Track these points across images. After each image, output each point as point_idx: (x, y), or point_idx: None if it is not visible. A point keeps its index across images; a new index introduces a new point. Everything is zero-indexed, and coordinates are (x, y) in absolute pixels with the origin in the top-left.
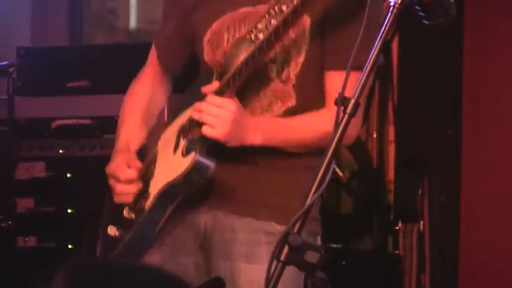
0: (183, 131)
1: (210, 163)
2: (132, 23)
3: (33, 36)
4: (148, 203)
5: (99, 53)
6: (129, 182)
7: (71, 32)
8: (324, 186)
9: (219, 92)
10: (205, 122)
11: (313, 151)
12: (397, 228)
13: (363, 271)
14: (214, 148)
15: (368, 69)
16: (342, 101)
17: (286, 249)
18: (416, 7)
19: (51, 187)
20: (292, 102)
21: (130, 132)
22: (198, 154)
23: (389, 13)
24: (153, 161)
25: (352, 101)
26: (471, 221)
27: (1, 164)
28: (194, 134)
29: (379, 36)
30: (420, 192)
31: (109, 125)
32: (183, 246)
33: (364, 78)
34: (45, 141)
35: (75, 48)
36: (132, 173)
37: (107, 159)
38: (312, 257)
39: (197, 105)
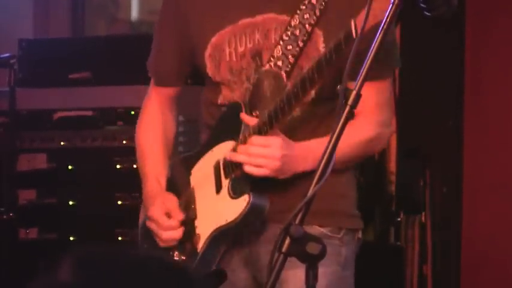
0: (224, 170)
1: (264, 203)
2: (134, 14)
3: (35, 28)
4: (201, 245)
5: (101, 45)
6: (171, 229)
7: (72, 24)
8: (325, 177)
9: (261, 130)
10: (255, 164)
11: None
12: (399, 219)
13: (365, 262)
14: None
15: (370, 59)
16: (343, 92)
17: (287, 241)
18: None
19: (53, 179)
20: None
21: (157, 170)
22: (252, 197)
23: (391, 4)
24: (192, 200)
25: (354, 92)
26: (473, 211)
27: (3, 156)
28: (237, 172)
29: (381, 27)
30: (422, 183)
31: (110, 117)
32: (226, 264)
33: (365, 69)
34: (47, 132)
35: (77, 40)
36: (174, 224)
37: (108, 150)
38: (313, 248)
39: (241, 148)
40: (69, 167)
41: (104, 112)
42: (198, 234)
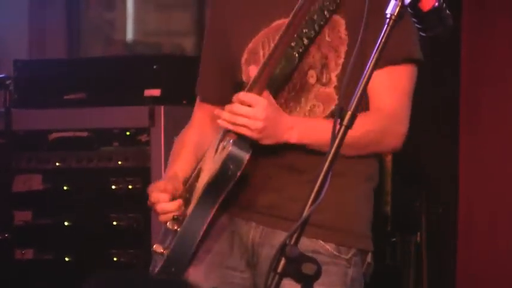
0: (220, 138)
1: (244, 153)
2: (129, 35)
3: (31, 48)
4: (190, 208)
5: (96, 66)
6: (162, 201)
7: (68, 45)
8: (320, 198)
9: (249, 90)
10: (237, 122)
11: (361, 157)
12: (395, 239)
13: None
14: (254, 163)
15: (364, 81)
16: (339, 112)
17: (283, 261)
18: (413, 19)
19: (49, 199)
20: (334, 105)
21: (181, 164)
22: (232, 145)
23: (386, 25)
24: (196, 177)
25: (349, 113)
26: (469, 232)
27: None
28: (232, 135)
29: (375, 48)
30: (418, 203)
31: (106, 137)
32: (228, 260)
33: (360, 90)
34: (43, 153)
35: (72, 61)
36: (164, 197)
37: (104, 171)
38: (309, 268)
39: (227, 107)
40: (65, 188)
41: (99, 133)
42: (192, 200)
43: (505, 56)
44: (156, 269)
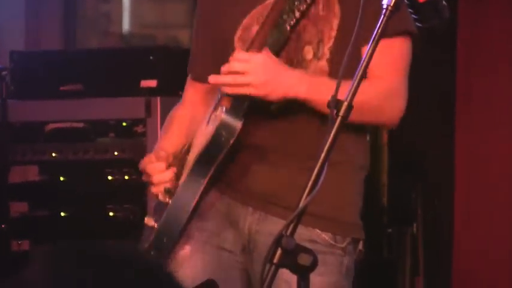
0: (212, 110)
1: (237, 121)
2: (126, 27)
3: (27, 40)
4: (182, 179)
5: (93, 57)
6: (161, 171)
7: (64, 36)
8: (317, 189)
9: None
10: (237, 82)
11: (350, 144)
12: (391, 231)
13: (357, 274)
14: (254, 151)
15: (361, 71)
16: (335, 103)
17: (279, 252)
18: (410, 10)
19: (45, 191)
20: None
21: (169, 139)
22: (224, 113)
23: (382, 15)
24: (187, 151)
25: (345, 103)
26: (465, 223)
27: None
28: (223, 103)
29: (372, 39)
30: (414, 195)
31: (102, 129)
32: (224, 242)
33: (356, 82)
34: (39, 145)
35: (68, 52)
36: (160, 166)
37: (100, 162)
38: (305, 259)
39: (223, 69)
40: (61, 179)
41: (95, 124)
42: (183, 172)
43: (501, 49)
44: (148, 242)
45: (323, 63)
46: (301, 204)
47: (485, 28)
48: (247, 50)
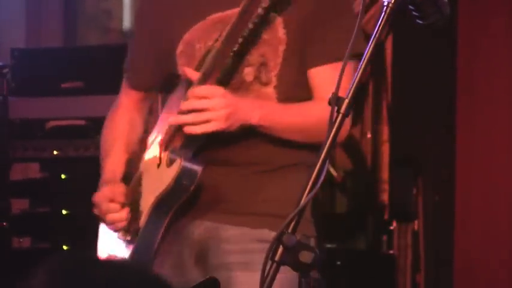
0: (162, 145)
1: (197, 167)
2: (126, 23)
3: (28, 37)
4: (143, 220)
5: (93, 54)
6: (115, 210)
7: (65, 33)
8: (317, 187)
9: (201, 83)
10: (201, 119)
11: (304, 146)
12: (392, 228)
13: (358, 271)
14: (199, 154)
15: (362, 68)
16: (335, 100)
17: (280, 250)
18: (410, 6)
19: (46, 188)
20: None
21: (114, 162)
22: (183, 159)
23: (383, 13)
24: (139, 183)
25: (346, 100)
26: (465, 219)
27: None
28: (175, 143)
29: (373, 36)
30: (414, 191)
31: (103, 126)
32: (183, 264)
33: (357, 77)
34: (40, 142)
35: (69, 49)
36: (116, 206)
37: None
38: (306, 257)
39: (182, 107)
40: (62, 176)
41: (96, 121)
42: (141, 211)
43: (502, 45)
44: None
45: (270, 90)
46: (302, 202)
47: (486, 24)
48: (206, 75)
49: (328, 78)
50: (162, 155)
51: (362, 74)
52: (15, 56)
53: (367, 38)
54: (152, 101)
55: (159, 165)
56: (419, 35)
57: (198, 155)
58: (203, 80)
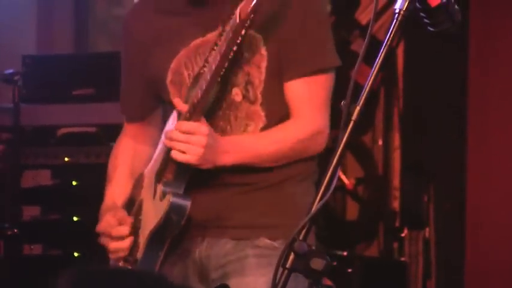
0: (157, 176)
1: (185, 202)
2: None
3: (39, 44)
4: (139, 252)
5: (104, 61)
6: (121, 238)
7: (76, 40)
8: (329, 194)
9: (186, 118)
10: (178, 149)
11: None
12: (403, 235)
13: (369, 278)
14: (192, 181)
15: (373, 75)
16: (347, 107)
17: (291, 257)
18: (421, 14)
19: (57, 195)
20: (263, 122)
21: (116, 189)
22: (172, 196)
23: (395, 20)
24: (139, 211)
25: (358, 108)
26: (477, 227)
27: (7, 172)
28: (167, 176)
29: (384, 43)
30: (426, 198)
31: (114, 133)
32: (189, 282)
33: (369, 84)
34: (51, 149)
35: (80, 56)
36: (125, 230)
37: None
38: (317, 264)
39: (168, 133)
40: (73, 183)
41: (107, 128)
42: (139, 242)
43: None
44: None
45: (257, 108)
46: (313, 209)
47: (497, 30)
48: (190, 112)
49: (300, 92)
50: (157, 186)
51: (373, 81)
52: (27, 63)
53: (379, 45)
54: (157, 124)
55: (154, 197)
56: (431, 42)
57: (192, 181)
58: (192, 111)
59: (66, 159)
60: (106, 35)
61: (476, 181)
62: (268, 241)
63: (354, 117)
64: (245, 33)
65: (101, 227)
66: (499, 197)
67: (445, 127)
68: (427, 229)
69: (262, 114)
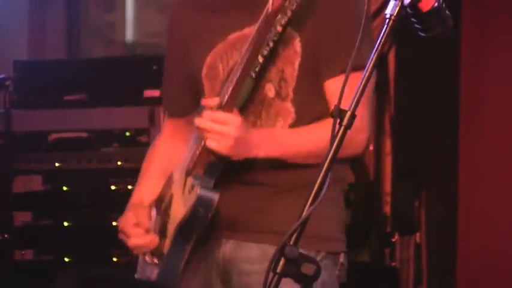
0: (187, 170)
1: (213, 195)
2: (129, 35)
3: (30, 49)
4: (166, 245)
5: (96, 66)
6: (136, 236)
7: (68, 45)
8: (319, 199)
9: (220, 108)
10: (210, 138)
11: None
12: (394, 240)
13: (360, 283)
14: (223, 177)
15: (364, 81)
16: (338, 112)
17: (282, 261)
18: (413, 19)
19: (49, 200)
20: (292, 119)
21: (145, 187)
22: (200, 188)
23: (386, 25)
24: (170, 205)
25: (349, 113)
26: (468, 232)
27: None
28: (198, 170)
29: (375, 48)
30: (417, 203)
31: (106, 138)
32: (211, 285)
33: (360, 89)
34: (42, 154)
35: (72, 62)
36: (139, 232)
37: (103, 172)
38: (308, 269)
39: (200, 122)
40: (65, 189)
41: (99, 134)
42: (168, 234)
43: (505, 55)
44: None
45: (288, 105)
46: (304, 214)
47: (490, 35)
48: (221, 105)
49: (339, 90)
50: (187, 180)
51: (365, 85)
52: (18, 68)
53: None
54: None
55: (183, 190)
56: (423, 47)
57: (222, 177)
58: (224, 103)
59: (57, 164)
60: (98, 40)
61: (468, 186)
62: None
63: (345, 122)
64: (283, 31)
65: (120, 224)
66: (490, 202)
67: (436, 132)
68: (418, 234)
69: (292, 110)
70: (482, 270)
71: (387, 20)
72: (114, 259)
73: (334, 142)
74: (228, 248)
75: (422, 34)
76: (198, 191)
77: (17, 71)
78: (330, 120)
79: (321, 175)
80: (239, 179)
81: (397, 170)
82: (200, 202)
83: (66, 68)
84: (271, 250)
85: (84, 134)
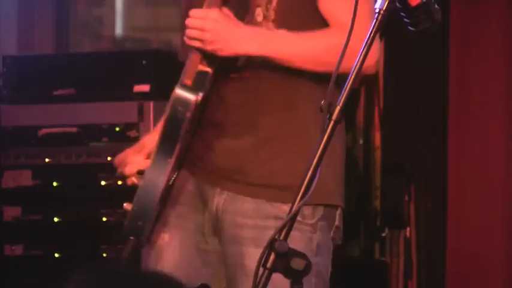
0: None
1: (191, 95)
2: (118, 30)
3: (19, 44)
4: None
5: (85, 61)
6: (134, 162)
7: (57, 40)
8: (309, 193)
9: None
10: (189, 35)
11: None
12: (384, 234)
13: (350, 278)
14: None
15: (353, 75)
16: (327, 107)
17: (272, 256)
18: (402, 13)
19: (38, 195)
20: None
21: (151, 135)
22: (177, 88)
23: (375, 20)
24: None
25: (338, 108)
26: (458, 227)
27: None
28: (186, 81)
29: (365, 43)
30: (407, 198)
31: (95, 133)
32: (203, 231)
33: (348, 85)
34: (32, 149)
35: (61, 56)
36: (137, 158)
37: (93, 167)
38: (298, 263)
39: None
40: (54, 184)
41: (88, 129)
42: None
43: (494, 53)
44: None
45: (270, 25)
46: (294, 208)
47: (479, 29)
48: (208, 7)
49: (338, 4)
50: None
51: (354, 80)
52: (7, 63)
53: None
54: None
55: None
56: (412, 41)
57: (215, 111)
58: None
59: (47, 159)
60: (87, 35)
61: (458, 181)
62: (286, 207)
63: (335, 117)
64: None
65: (117, 158)
66: (480, 197)
67: (426, 126)
68: (408, 229)
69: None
70: (471, 264)
71: (376, 15)
72: (104, 255)
73: (324, 136)
74: (222, 198)
75: (411, 28)
76: (176, 90)
77: (5, 66)
78: (335, 29)
79: (311, 168)
80: (230, 117)
81: (386, 164)
82: (178, 100)
83: (55, 63)
84: (264, 206)
85: (73, 129)
